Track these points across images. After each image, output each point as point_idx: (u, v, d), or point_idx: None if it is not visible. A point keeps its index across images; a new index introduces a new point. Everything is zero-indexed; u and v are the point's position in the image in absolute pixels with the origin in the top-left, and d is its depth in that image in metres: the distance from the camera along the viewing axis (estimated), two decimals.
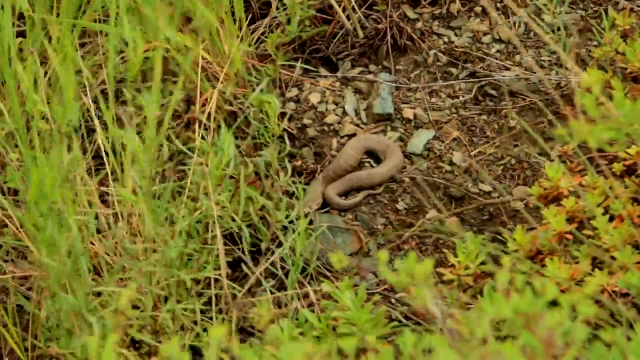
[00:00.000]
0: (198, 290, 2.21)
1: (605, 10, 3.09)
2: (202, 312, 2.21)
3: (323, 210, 2.66)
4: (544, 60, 3.02)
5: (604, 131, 1.26)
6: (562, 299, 1.32)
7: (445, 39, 3.07)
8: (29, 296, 2.29)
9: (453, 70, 3.00)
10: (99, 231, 2.23)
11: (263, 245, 2.44)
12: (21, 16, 2.59)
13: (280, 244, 2.40)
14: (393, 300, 2.46)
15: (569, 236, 2.31)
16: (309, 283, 2.42)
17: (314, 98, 2.92)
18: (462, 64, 3.01)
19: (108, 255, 2.15)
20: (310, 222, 2.54)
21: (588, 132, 1.25)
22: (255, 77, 2.80)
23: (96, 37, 2.73)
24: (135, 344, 2.20)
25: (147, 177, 1.98)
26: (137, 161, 1.99)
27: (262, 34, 3.00)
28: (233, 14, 2.78)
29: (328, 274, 2.51)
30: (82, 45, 2.76)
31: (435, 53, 3.04)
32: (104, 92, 2.72)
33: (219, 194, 2.21)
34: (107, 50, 2.62)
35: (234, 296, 2.26)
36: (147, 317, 2.12)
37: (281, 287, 2.41)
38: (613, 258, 2.22)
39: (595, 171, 2.44)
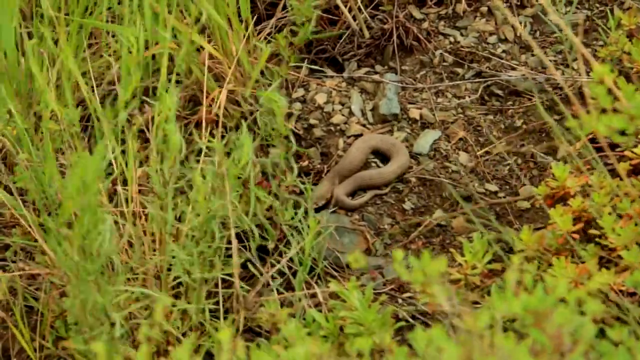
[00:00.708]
0: (208, 290, 2.21)
1: (611, 10, 3.09)
2: (210, 311, 2.21)
3: (330, 210, 2.66)
4: (550, 61, 3.02)
5: (614, 120, 1.26)
6: (570, 295, 1.32)
7: (452, 39, 3.08)
8: (37, 296, 2.29)
9: (459, 70, 3.01)
10: None
11: (270, 245, 2.44)
12: (25, 17, 2.60)
13: (287, 244, 2.41)
14: (400, 300, 2.46)
15: (576, 236, 2.31)
16: (316, 283, 2.43)
17: (320, 98, 2.92)
18: (468, 64, 3.02)
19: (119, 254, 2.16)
20: (318, 222, 2.54)
21: (598, 121, 1.25)
22: (265, 78, 2.81)
23: (101, 38, 2.74)
24: None
25: (164, 176, 1.99)
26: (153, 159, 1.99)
27: (269, 34, 3.00)
28: (239, 14, 2.79)
29: (335, 273, 2.52)
30: (89, 46, 2.77)
31: (441, 53, 3.04)
32: (110, 93, 2.74)
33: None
34: (112, 52, 2.63)
35: (243, 296, 2.27)
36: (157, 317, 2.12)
37: (288, 286, 2.41)
38: (620, 257, 2.22)
39: (602, 170, 2.44)
